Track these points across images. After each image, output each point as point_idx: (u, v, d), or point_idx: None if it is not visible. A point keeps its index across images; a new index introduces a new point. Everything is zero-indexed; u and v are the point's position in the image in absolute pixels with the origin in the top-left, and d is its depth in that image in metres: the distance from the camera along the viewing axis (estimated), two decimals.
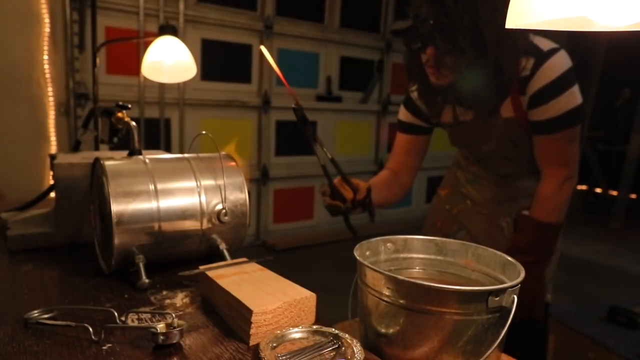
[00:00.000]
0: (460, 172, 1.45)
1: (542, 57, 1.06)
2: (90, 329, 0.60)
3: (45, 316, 0.65)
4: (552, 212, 1.16)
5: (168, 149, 3.48)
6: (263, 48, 1.11)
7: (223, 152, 0.91)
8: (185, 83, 3.36)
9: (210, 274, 0.72)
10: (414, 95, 1.27)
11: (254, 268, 0.76)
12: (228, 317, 0.67)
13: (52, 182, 1.01)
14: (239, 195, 0.87)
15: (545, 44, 1.08)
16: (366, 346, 0.63)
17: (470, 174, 1.41)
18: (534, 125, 1.13)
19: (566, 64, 1.07)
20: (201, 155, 0.90)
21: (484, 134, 1.22)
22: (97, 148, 1.91)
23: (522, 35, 1.06)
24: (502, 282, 0.64)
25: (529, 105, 1.11)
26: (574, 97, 1.08)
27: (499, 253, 0.70)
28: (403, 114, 1.34)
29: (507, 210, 1.30)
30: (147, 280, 0.76)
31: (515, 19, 0.44)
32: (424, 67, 1.12)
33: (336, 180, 1.14)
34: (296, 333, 0.62)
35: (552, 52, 1.07)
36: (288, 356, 0.56)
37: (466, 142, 1.33)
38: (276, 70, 1.03)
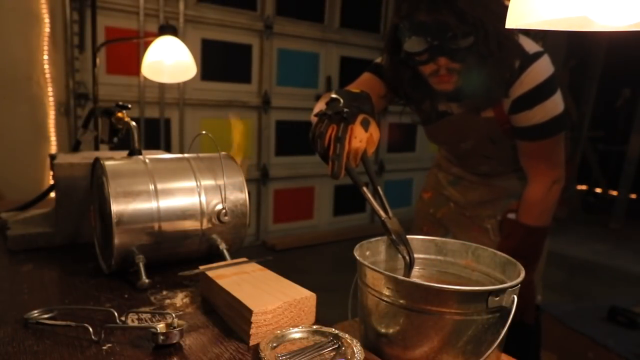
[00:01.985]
0: (441, 174, 1.43)
1: (528, 60, 1.03)
2: (90, 329, 0.60)
3: (45, 316, 0.65)
4: (540, 215, 1.15)
5: (168, 149, 3.47)
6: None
7: (223, 153, 0.91)
8: (185, 83, 3.35)
9: (210, 274, 0.72)
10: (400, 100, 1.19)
11: (254, 268, 0.76)
12: (228, 317, 0.67)
13: (52, 182, 1.01)
14: (239, 195, 0.87)
15: (530, 46, 1.05)
16: (366, 346, 0.63)
17: (451, 175, 1.39)
18: (519, 131, 1.10)
19: (550, 69, 1.05)
20: (201, 155, 0.90)
21: (462, 131, 1.20)
22: (97, 148, 1.91)
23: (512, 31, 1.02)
24: (502, 282, 0.64)
25: (511, 110, 1.07)
26: (557, 103, 1.06)
27: (499, 253, 0.70)
28: (384, 61, 1.18)
29: (491, 211, 1.29)
30: (147, 280, 0.76)
31: (515, 19, 0.44)
32: (418, 73, 1.06)
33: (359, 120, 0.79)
34: (296, 333, 0.62)
35: (537, 55, 1.03)
36: (288, 356, 0.56)
37: (444, 139, 1.31)
38: None
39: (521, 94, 1.04)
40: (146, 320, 0.66)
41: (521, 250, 1.14)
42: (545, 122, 1.06)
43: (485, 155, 1.24)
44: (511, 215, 1.20)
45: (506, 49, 0.98)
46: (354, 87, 1.17)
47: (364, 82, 1.21)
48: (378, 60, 1.22)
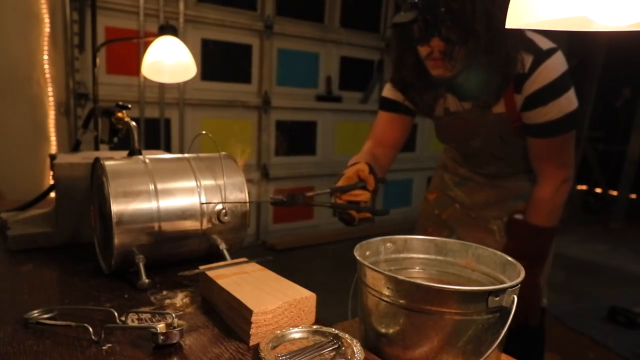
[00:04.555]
0: (446, 175, 1.42)
1: (541, 56, 1.03)
2: (90, 329, 0.60)
3: (45, 316, 0.65)
4: (549, 215, 1.14)
5: (168, 149, 3.47)
6: None
7: (223, 153, 0.91)
8: (185, 83, 3.35)
9: (210, 274, 0.72)
10: (399, 96, 1.21)
11: (254, 268, 0.76)
12: (228, 317, 0.67)
13: (52, 182, 1.01)
14: (239, 195, 0.87)
15: (544, 42, 1.05)
16: (366, 346, 0.63)
17: (457, 176, 1.38)
18: (532, 128, 1.10)
19: (564, 65, 1.05)
20: (201, 155, 0.90)
21: (472, 128, 1.19)
22: (97, 148, 1.91)
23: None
24: (502, 282, 0.64)
25: (524, 106, 1.07)
26: (571, 100, 1.06)
27: (499, 253, 0.70)
28: (390, 91, 1.25)
29: (497, 213, 1.28)
30: (147, 280, 0.76)
31: (515, 19, 0.44)
32: (421, 60, 1.07)
33: (345, 197, 0.99)
34: (296, 333, 0.62)
35: (551, 52, 1.04)
36: (288, 356, 0.56)
37: (453, 136, 1.30)
38: None
39: (535, 90, 1.04)
40: (146, 320, 0.66)
41: (528, 251, 1.14)
42: (559, 118, 1.06)
43: (495, 155, 1.23)
44: (518, 216, 1.19)
45: (498, 31, 0.96)
46: (376, 135, 1.30)
47: (384, 123, 1.29)
48: (384, 93, 1.26)
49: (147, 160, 0.84)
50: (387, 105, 1.27)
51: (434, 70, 1.05)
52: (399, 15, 0.99)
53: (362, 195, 0.99)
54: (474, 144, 1.23)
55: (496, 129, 1.16)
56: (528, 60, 1.04)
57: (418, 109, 1.23)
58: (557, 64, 1.04)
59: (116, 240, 0.76)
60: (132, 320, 0.66)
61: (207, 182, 0.84)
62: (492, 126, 1.16)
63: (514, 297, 0.57)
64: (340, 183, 1.01)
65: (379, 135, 1.29)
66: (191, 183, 0.83)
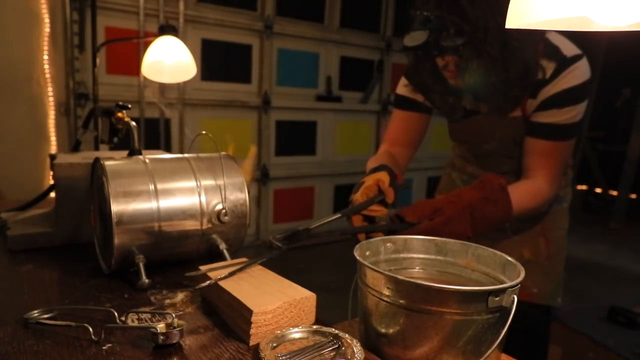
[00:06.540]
0: (455, 174, 1.40)
1: (564, 63, 1.01)
2: (90, 329, 0.60)
3: (45, 316, 0.65)
4: (520, 205, 1.00)
5: (168, 149, 3.47)
6: None
7: (223, 153, 0.91)
8: (185, 83, 3.35)
9: (210, 274, 0.72)
10: (418, 95, 1.20)
11: (254, 268, 0.76)
12: (228, 317, 0.67)
13: (52, 182, 1.01)
14: (239, 195, 0.87)
15: (568, 49, 1.03)
16: (366, 346, 0.63)
17: (465, 175, 1.36)
18: (536, 127, 1.07)
19: (587, 74, 1.03)
20: (201, 155, 0.90)
21: (487, 132, 1.18)
22: (97, 148, 1.91)
23: (541, 33, 1.01)
24: (502, 282, 0.64)
25: (539, 108, 1.05)
26: (581, 111, 1.05)
27: (499, 253, 0.70)
28: (405, 89, 1.21)
29: None
30: (147, 280, 0.76)
31: (515, 19, 0.44)
32: (439, 69, 1.06)
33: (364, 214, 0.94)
34: (296, 333, 0.62)
35: (575, 59, 1.02)
36: (288, 356, 0.56)
37: (467, 138, 1.28)
38: None
39: (553, 94, 1.02)
40: (146, 320, 0.66)
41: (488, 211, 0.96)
42: (562, 125, 1.04)
43: (507, 155, 1.21)
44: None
45: (513, 48, 0.95)
46: (391, 137, 1.27)
47: (401, 122, 1.27)
48: (399, 90, 1.24)
49: (147, 160, 0.84)
50: (403, 103, 1.24)
51: (450, 80, 1.05)
52: (409, 37, 0.98)
53: (379, 211, 0.94)
54: (487, 147, 1.21)
55: (511, 133, 1.14)
56: (550, 67, 1.02)
57: (440, 110, 1.21)
58: (580, 72, 1.02)
59: (116, 240, 0.76)
60: (132, 320, 0.66)
61: (207, 182, 0.84)
62: (507, 130, 1.14)
63: (514, 297, 0.57)
64: (359, 194, 0.95)
65: (395, 136, 1.28)
66: (191, 183, 0.83)
